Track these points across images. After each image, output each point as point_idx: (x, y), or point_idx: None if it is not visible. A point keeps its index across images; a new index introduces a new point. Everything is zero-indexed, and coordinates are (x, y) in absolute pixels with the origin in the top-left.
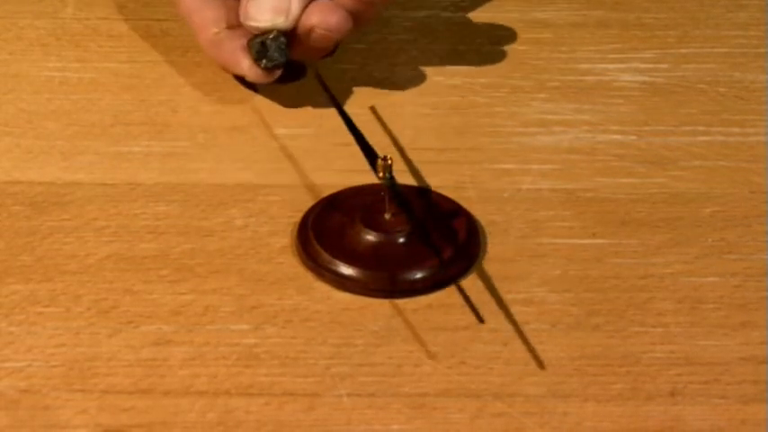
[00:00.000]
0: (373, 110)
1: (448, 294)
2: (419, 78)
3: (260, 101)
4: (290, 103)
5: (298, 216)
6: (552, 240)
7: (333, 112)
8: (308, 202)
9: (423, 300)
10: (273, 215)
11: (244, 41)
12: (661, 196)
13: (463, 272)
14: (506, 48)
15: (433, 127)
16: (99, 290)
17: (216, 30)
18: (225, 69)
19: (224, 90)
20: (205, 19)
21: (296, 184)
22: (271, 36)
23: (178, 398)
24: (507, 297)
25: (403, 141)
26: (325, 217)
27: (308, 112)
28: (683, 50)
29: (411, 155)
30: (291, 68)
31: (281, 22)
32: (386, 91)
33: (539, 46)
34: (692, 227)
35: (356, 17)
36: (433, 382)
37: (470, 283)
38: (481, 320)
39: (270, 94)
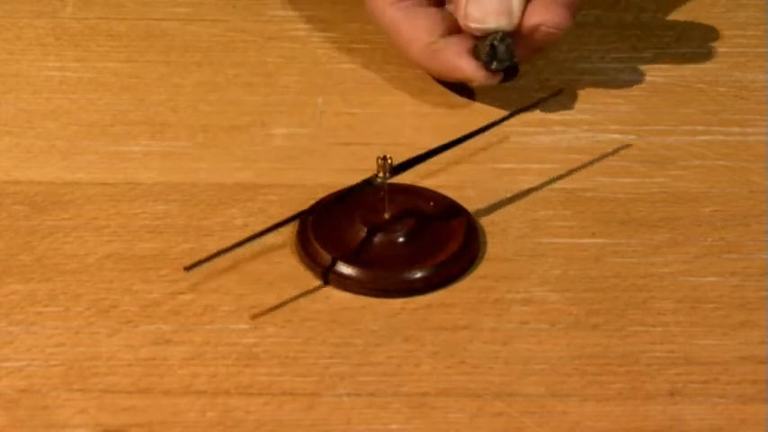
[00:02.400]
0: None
1: (447, 294)
2: (419, 78)
3: (259, 100)
4: (290, 102)
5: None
6: (552, 240)
7: (332, 112)
8: (307, 202)
9: (422, 299)
10: (273, 215)
11: (463, 47)
12: (660, 196)
13: (463, 271)
14: None
15: (433, 126)
16: (98, 289)
17: (430, 39)
18: (441, 77)
19: (223, 89)
20: (416, 29)
21: (295, 183)
22: (498, 37)
23: (177, 397)
24: (507, 297)
25: (403, 141)
26: (325, 216)
27: (307, 111)
28: (683, 50)
29: (411, 154)
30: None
31: (506, 22)
32: (386, 90)
33: None
34: (692, 226)
35: (572, 12)
36: (433, 381)
37: (470, 282)
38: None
39: (269, 93)
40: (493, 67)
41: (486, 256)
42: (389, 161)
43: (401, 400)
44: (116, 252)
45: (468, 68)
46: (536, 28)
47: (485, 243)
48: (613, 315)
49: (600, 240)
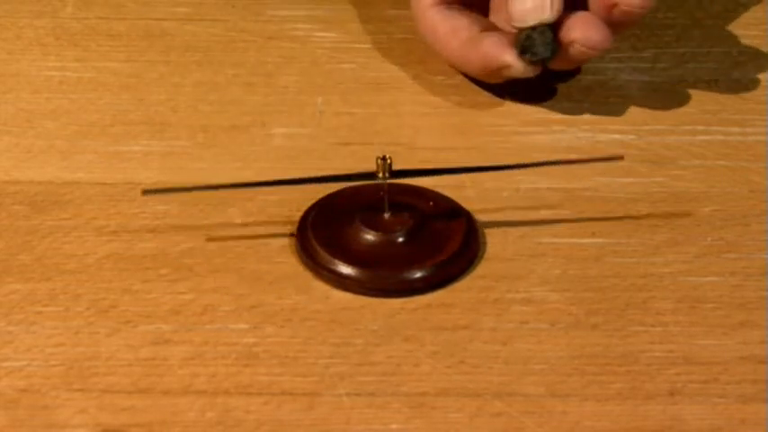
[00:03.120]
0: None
1: (447, 294)
2: (419, 78)
3: (259, 100)
4: (290, 102)
5: (297, 215)
6: (551, 240)
7: (332, 111)
8: (307, 202)
9: (422, 299)
10: (272, 214)
11: (503, 38)
12: (660, 195)
13: (462, 271)
14: None
15: (433, 126)
16: (98, 289)
17: (470, 34)
18: (480, 71)
19: (223, 89)
20: (456, 26)
21: None
22: (537, 29)
23: (177, 397)
24: (506, 296)
25: (402, 140)
26: (325, 216)
27: (307, 111)
28: (682, 49)
29: (410, 154)
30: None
31: (546, 16)
32: (386, 90)
33: None
34: (692, 226)
35: (614, 28)
36: (433, 381)
37: (470, 282)
38: None
39: (269, 93)
40: (528, 58)
41: (486, 255)
42: (389, 161)
43: (401, 400)
44: (116, 252)
45: (509, 58)
46: (571, 44)
47: (484, 243)
48: (613, 315)
49: (599, 240)
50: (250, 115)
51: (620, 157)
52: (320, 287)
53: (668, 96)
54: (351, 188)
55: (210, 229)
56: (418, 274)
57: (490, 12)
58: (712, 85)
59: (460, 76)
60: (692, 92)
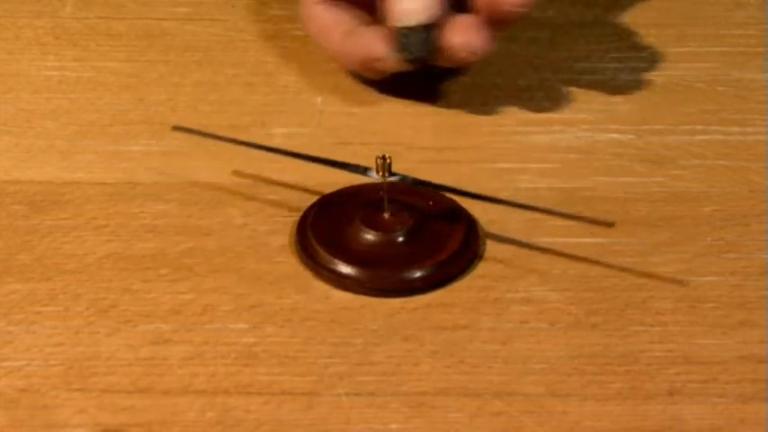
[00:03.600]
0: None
1: (447, 293)
2: (418, 77)
3: (259, 100)
4: (290, 102)
5: (296, 215)
6: (551, 239)
7: (331, 111)
8: (306, 201)
9: (421, 299)
10: (272, 214)
11: (380, 32)
12: (660, 195)
13: (462, 271)
14: (504, 47)
15: (432, 126)
16: (98, 289)
17: (349, 27)
18: (358, 64)
19: (223, 89)
20: (337, 19)
21: (295, 182)
22: (414, 29)
23: (177, 397)
24: (506, 296)
25: (402, 140)
26: (324, 216)
27: (306, 110)
28: (682, 49)
29: (410, 154)
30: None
31: (424, 17)
32: (385, 91)
33: (537, 45)
34: (691, 226)
35: (496, 27)
36: (432, 381)
37: (469, 282)
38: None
39: (269, 93)
40: (403, 57)
41: (486, 255)
42: (388, 161)
43: (400, 400)
44: (115, 251)
45: (382, 50)
46: (451, 48)
47: (484, 242)
48: (613, 315)
49: (599, 240)
50: (250, 115)
51: (611, 224)
52: (320, 287)
53: (668, 96)
54: (350, 188)
55: (210, 229)
56: (418, 274)
57: (377, 7)
58: (712, 84)
59: (460, 77)
60: (691, 92)
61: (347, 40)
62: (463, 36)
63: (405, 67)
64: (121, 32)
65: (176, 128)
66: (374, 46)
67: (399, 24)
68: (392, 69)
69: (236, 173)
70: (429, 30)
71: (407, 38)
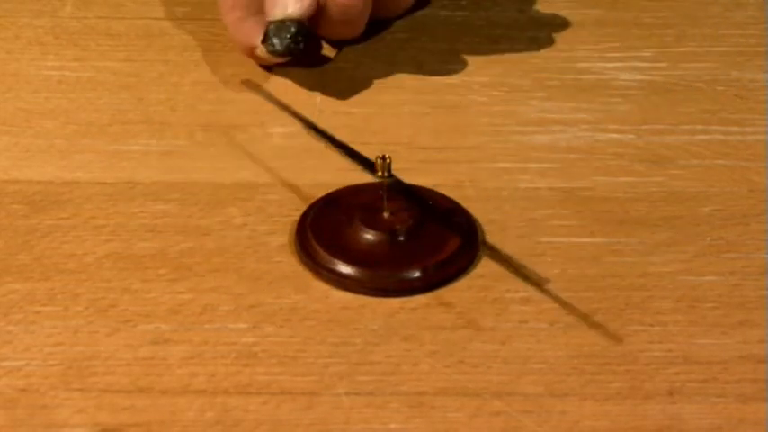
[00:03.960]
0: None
1: (446, 293)
2: (417, 77)
3: (258, 99)
4: (289, 101)
5: (296, 215)
6: (550, 239)
7: (331, 111)
8: (306, 201)
9: (421, 298)
10: (272, 214)
11: (261, 23)
12: (659, 195)
13: (462, 271)
14: (504, 46)
15: (432, 126)
16: (97, 289)
17: (241, 13)
18: (242, 49)
19: (222, 89)
20: (235, 5)
21: (294, 182)
22: (279, 23)
23: (176, 397)
24: (505, 296)
25: (401, 140)
26: (324, 216)
27: (306, 110)
28: (682, 49)
29: (409, 154)
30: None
31: (290, 11)
32: (384, 90)
33: (537, 45)
34: (691, 225)
35: None
36: (432, 380)
37: (469, 282)
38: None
39: (267, 92)
40: (266, 47)
41: (485, 255)
42: (388, 160)
43: (400, 400)
44: (115, 251)
45: (256, 42)
46: (325, 3)
47: (483, 242)
48: (612, 314)
49: (599, 240)
50: (249, 114)
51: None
52: (319, 287)
53: (667, 96)
54: (350, 187)
55: (210, 229)
56: (417, 274)
57: None
58: (711, 84)
59: (459, 75)
60: (691, 91)
61: (235, 26)
62: None
63: (275, 59)
64: (121, 32)
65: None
66: (249, 35)
67: (269, 18)
68: (267, 60)
69: (236, 172)
70: (295, 26)
71: (272, 32)
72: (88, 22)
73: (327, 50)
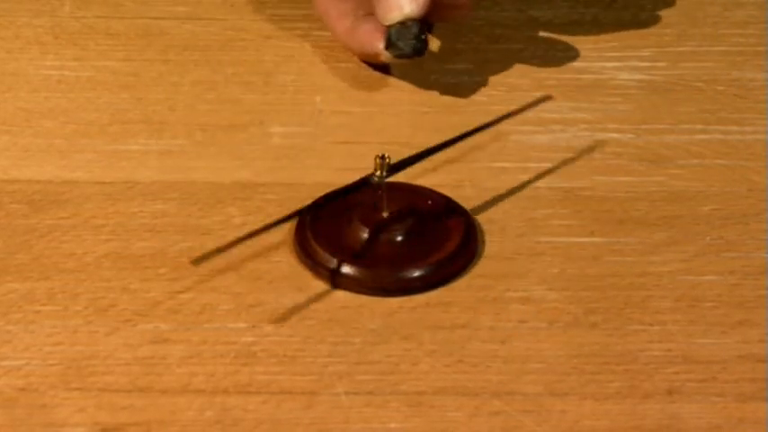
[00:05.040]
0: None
1: (446, 293)
2: (417, 77)
3: (257, 99)
4: (288, 101)
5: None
6: (550, 239)
7: (330, 110)
8: (305, 201)
9: (420, 298)
10: (271, 213)
11: (378, 25)
12: (659, 194)
13: (461, 270)
14: (504, 46)
15: (431, 125)
16: (97, 288)
17: (352, 18)
18: (361, 56)
19: (221, 88)
20: (342, 11)
21: (294, 182)
22: (401, 25)
23: (176, 396)
24: (505, 295)
25: (401, 140)
26: (323, 215)
27: (305, 110)
28: (681, 49)
29: (409, 153)
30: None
31: (407, 11)
32: (384, 89)
33: (536, 44)
34: (691, 225)
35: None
36: (431, 380)
37: (468, 281)
38: None
39: (267, 92)
40: (392, 52)
41: (485, 254)
42: (387, 160)
43: (399, 399)
44: (114, 251)
45: (379, 47)
46: (441, 2)
47: (483, 242)
48: (612, 314)
49: (598, 239)
50: (248, 114)
51: (547, 97)
52: (319, 286)
53: (667, 95)
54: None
55: (209, 229)
56: (417, 273)
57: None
58: (711, 84)
59: (458, 75)
60: (690, 91)
61: (349, 34)
62: None
63: (399, 61)
64: (120, 32)
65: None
66: (370, 42)
67: (384, 23)
68: (391, 62)
69: (236, 172)
70: (417, 26)
71: (395, 35)
72: (87, 21)
73: (327, 51)
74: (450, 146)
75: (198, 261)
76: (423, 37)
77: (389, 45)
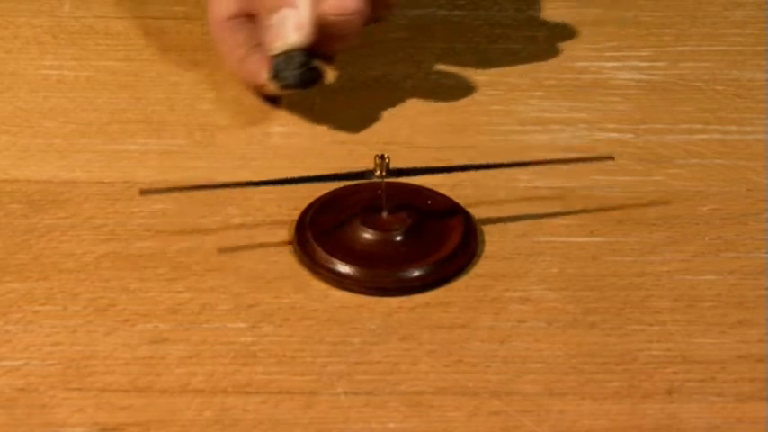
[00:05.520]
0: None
1: (445, 292)
2: (416, 77)
3: (257, 99)
4: (287, 101)
5: (295, 214)
6: (549, 238)
7: (330, 110)
8: (305, 201)
9: (420, 298)
10: (270, 213)
11: (265, 58)
12: (658, 194)
13: (460, 270)
14: (503, 46)
15: (431, 125)
16: (96, 288)
17: (241, 51)
18: (251, 87)
19: (221, 88)
20: (235, 42)
21: None
22: (285, 56)
23: (175, 396)
24: (504, 295)
25: (400, 140)
26: (323, 215)
27: (305, 110)
28: (680, 48)
29: (409, 153)
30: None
31: (292, 41)
32: (383, 89)
33: (535, 44)
34: (690, 225)
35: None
36: (430, 380)
37: (468, 281)
38: None
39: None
40: (277, 82)
41: (484, 254)
42: (387, 160)
43: (399, 399)
44: (113, 251)
45: (262, 77)
46: (324, 18)
47: (482, 241)
48: (611, 314)
49: (597, 239)
50: (248, 114)
51: (611, 158)
52: (318, 286)
53: (666, 95)
54: (349, 187)
55: (208, 228)
56: (416, 273)
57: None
58: (710, 84)
59: (457, 75)
60: (689, 91)
61: (239, 65)
62: (325, 3)
63: (283, 92)
64: (120, 32)
65: (144, 192)
66: (256, 72)
67: (269, 53)
68: (280, 94)
69: (235, 172)
70: (302, 56)
71: (279, 65)
72: (87, 21)
73: None
74: (466, 170)
75: (145, 192)
76: (311, 67)
77: (274, 76)
